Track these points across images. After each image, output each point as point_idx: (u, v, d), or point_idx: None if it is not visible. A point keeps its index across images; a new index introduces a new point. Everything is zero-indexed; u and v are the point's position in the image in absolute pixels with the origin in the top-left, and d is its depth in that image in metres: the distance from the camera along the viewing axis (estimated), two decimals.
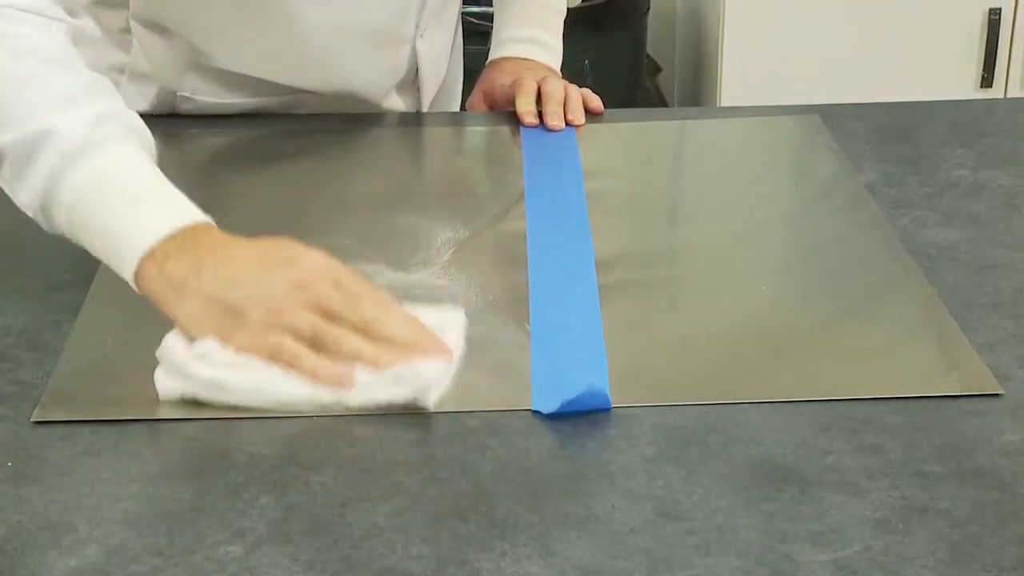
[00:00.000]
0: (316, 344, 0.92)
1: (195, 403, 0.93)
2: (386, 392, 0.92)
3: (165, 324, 0.97)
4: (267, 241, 0.97)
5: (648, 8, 2.95)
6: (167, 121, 1.34)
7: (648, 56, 3.04)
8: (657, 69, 3.15)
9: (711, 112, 1.86)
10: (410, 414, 0.92)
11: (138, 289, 0.97)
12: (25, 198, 1.00)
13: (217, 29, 1.30)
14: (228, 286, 0.94)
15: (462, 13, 1.54)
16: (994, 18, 2.63)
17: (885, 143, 1.35)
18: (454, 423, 0.91)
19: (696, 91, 2.93)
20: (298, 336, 0.92)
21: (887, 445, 0.88)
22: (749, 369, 0.97)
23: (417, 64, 1.41)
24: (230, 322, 0.93)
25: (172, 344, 0.94)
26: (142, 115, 1.05)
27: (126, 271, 0.97)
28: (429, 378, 0.92)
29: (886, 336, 1.01)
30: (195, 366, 0.92)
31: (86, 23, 1.09)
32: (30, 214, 1.01)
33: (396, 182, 1.30)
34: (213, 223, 0.99)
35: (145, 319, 0.97)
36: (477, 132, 1.44)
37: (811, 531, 0.80)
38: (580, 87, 1.41)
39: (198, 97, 1.37)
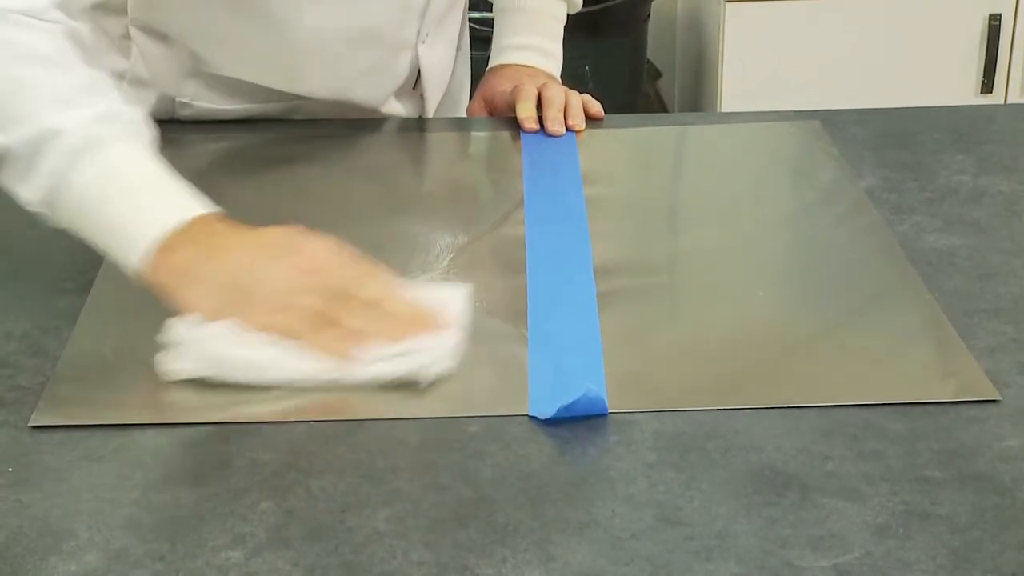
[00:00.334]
0: (324, 323, 0.95)
1: (202, 388, 0.94)
2: (392, 367, 0.94)
3: (164, 328, 0.97)
4: (273, 229, 1.00)
5: (648, 14, 2.95)
6: (166, 127, 1.32)
7: (648, 62, 3.04)
8: (657, 75, 3.15)
9: (711, 118, 1.86)
10: (410, 418, 0.92)
11: (145, 280, 0.98)
12: (28, 196, 1.01)
13: (214, 34, 1.30)
14: (236, 272, 0.97)
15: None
16: (994, 24, 2.63)
17: (885, 149, 1.35)
18: (454, 429, 0.91)
19: (696, 97, 2.93)
20: (306, 315, 0.95)
21: (887, 451, 0.88)
22: (749, 375, 0.97)
23: (419, 70, 1.41)
24: (239, 305, 0.96)
25: (181, 327, 0.96)
26: None
27: (132, 264, 0.98)
28: (434, 353, 0.95)
29: (885, 342, 1.01)
30: (206, 346, 0.94)
31: (83, 27, 1.09)
32: (31, 209, 1.02)
33: (396, 187, 1.30)
34: (219, 213, 1.01)
35: (144, 325, 0.98)
36: (477, 137, 1.44)
37: (812, 537, 0.80)
38: (580, 93, 1.42)
39: (197, 103, 1.37)
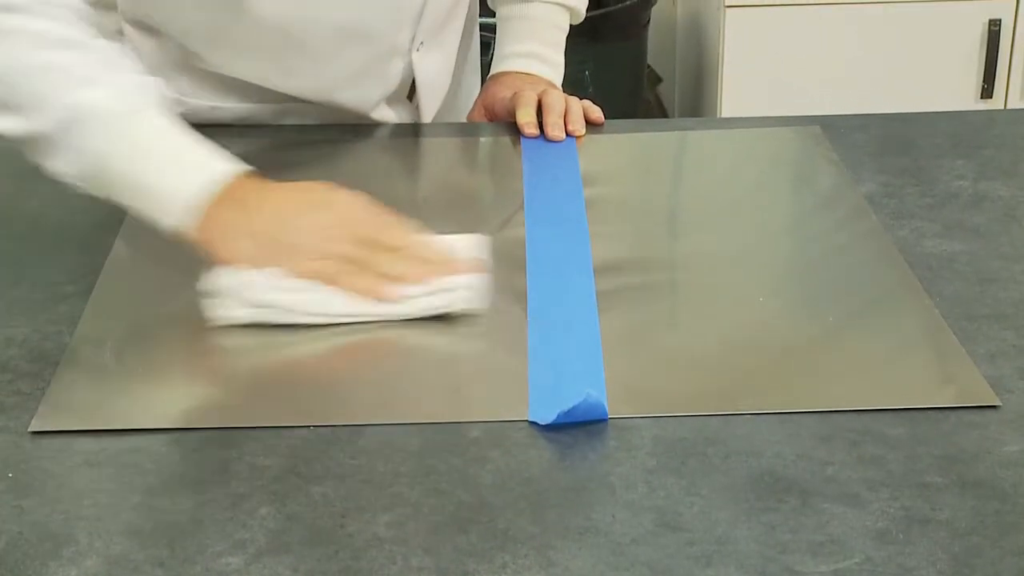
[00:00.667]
0: (358, 268, 1.04)
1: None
2: (428, 302, 1.03)
3: (166, 331, 0.97)
4: (307, 184, 1.09)
5: (649, 19, 2.95)
6: None
7: (649, 67, 3.04)
8: (658, 80, 3.15)
9: (711, 123, 1.86)
10: (410, 423, 0.92)
11: (187, 237, 1.04)
12: (63, 169, 1.06)
13: (196, 24, 1.31)
14: (276, 224, 1.05)
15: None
16: (994, 29, 2.63)
17: (885, 154, 1.35)
18: (455, 434, 0.91)
19: (697, 102, 2.93)
20: (342, 262, 1.04)
21: (887, 456, 0.88)
22: (749, 380, 0.97)
23: (413, 78, 1.40)
24: (280, 255, 1.04)
25: (226, 277, 1.02)
26: None
27: (171, 223, 1.04)
28: (460, 290, 1.04)
29: (885, 347, 1.01)
30: (252, 292, 1.02)
31: (86, 9, 1.13)
32: (61, 180, 1.07)
33: (397, 192, 1.29)
34: (254, 171, 1.07)
35: (145, 329, 0.98)
36: (478, 142, 1.44)
37: (812, 542, 0.80)
38: (581, 98, 1.42)
39: (189, 100, 1.36)
